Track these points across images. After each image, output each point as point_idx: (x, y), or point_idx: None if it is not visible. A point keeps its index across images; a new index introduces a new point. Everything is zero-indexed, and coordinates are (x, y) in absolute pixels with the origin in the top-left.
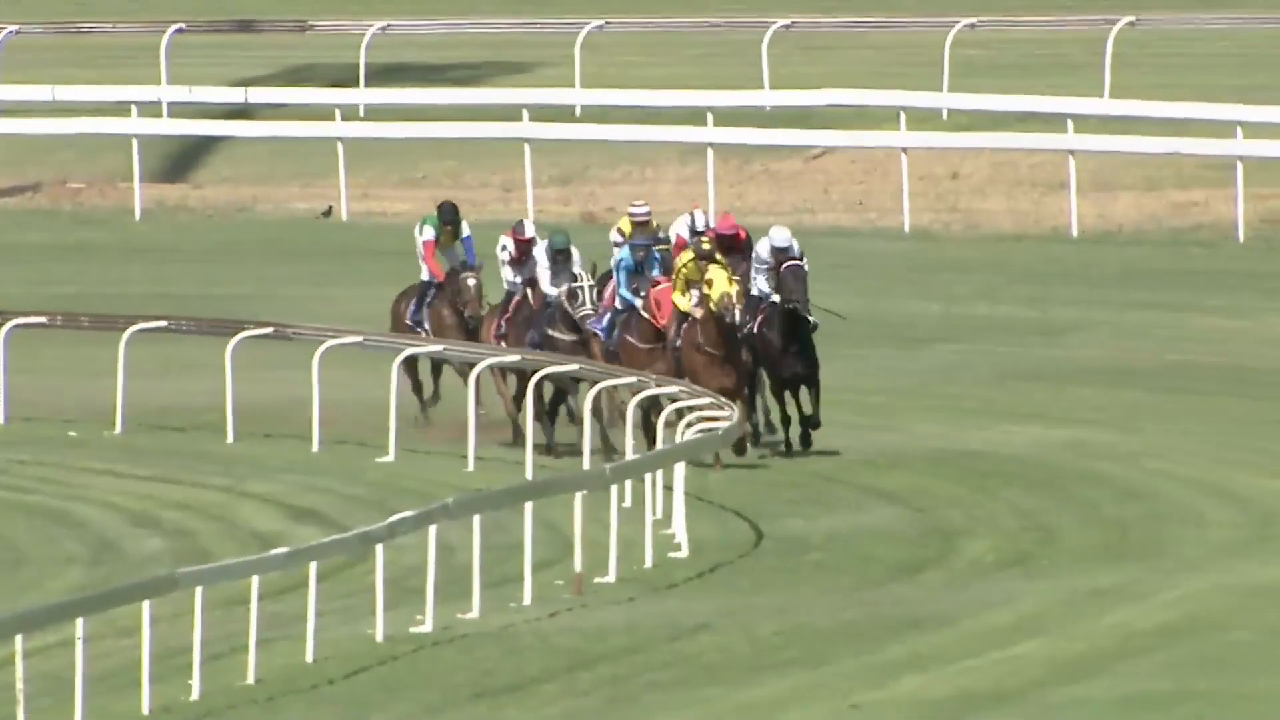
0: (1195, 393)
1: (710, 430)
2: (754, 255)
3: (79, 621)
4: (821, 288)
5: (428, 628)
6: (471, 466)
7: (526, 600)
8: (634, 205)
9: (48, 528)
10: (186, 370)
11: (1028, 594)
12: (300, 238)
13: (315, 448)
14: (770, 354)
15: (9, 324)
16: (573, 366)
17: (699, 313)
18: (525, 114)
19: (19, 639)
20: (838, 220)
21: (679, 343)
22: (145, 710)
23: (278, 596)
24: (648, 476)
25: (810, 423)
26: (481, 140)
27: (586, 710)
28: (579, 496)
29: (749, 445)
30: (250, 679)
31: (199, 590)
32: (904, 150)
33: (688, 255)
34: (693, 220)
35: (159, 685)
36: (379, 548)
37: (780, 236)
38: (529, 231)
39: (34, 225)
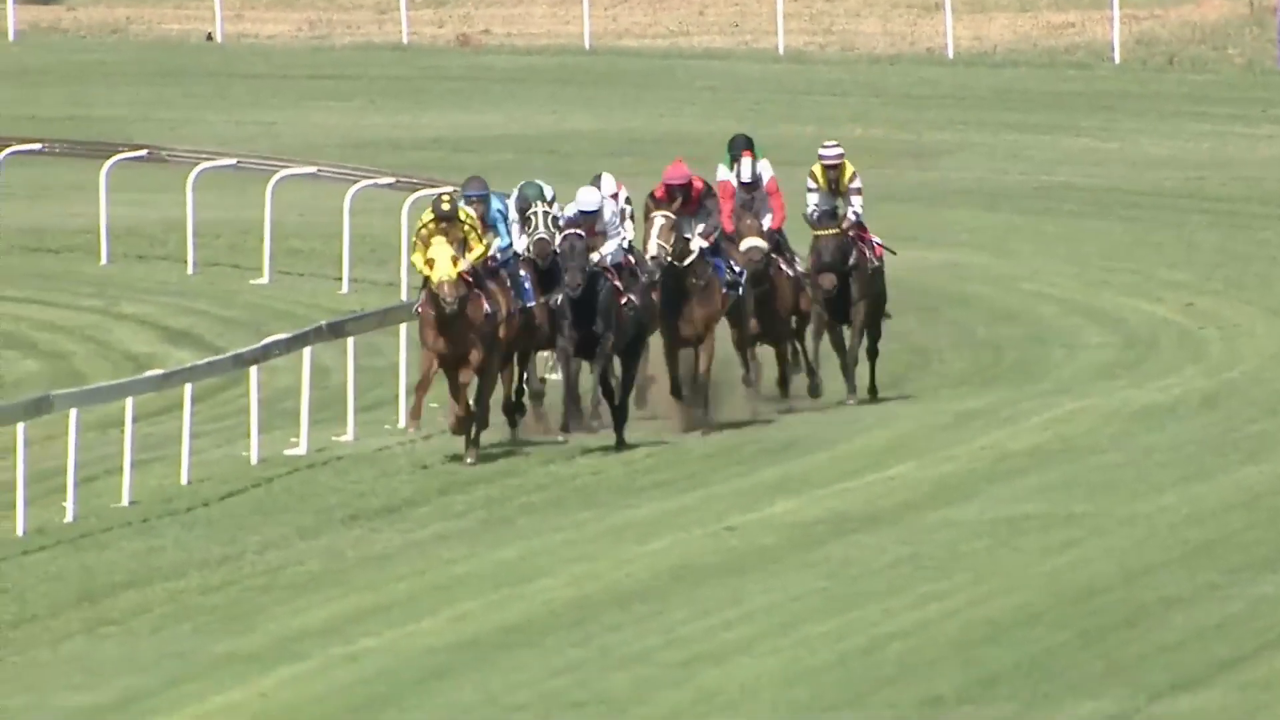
0: (1069, 214)
1: None
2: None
3: None
4: (697, 110)
5: (302, 450)
6: (346, 289)
7: (401, 423)
8: (825, 146)
9: None
10: (60, 193)
11: (902, 416)
12: (174, 60)
13: (190, 270)
14: (557, 330)
15: None
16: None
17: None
18: None
19: None
20: (712, 42)
21: (417, 307)
22: (20, 532)
23: (152, 419)
24: None
25: (607, 399)
26: None
27: (460, 532)
28: None
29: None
30: (125, 501)
31: (73, 412)
32: None
33: (428, 214)
34: (738, 169)
35: (33, 508)
36: (253, 370)
37: (588, 199)
38: (607, 187)
39: None
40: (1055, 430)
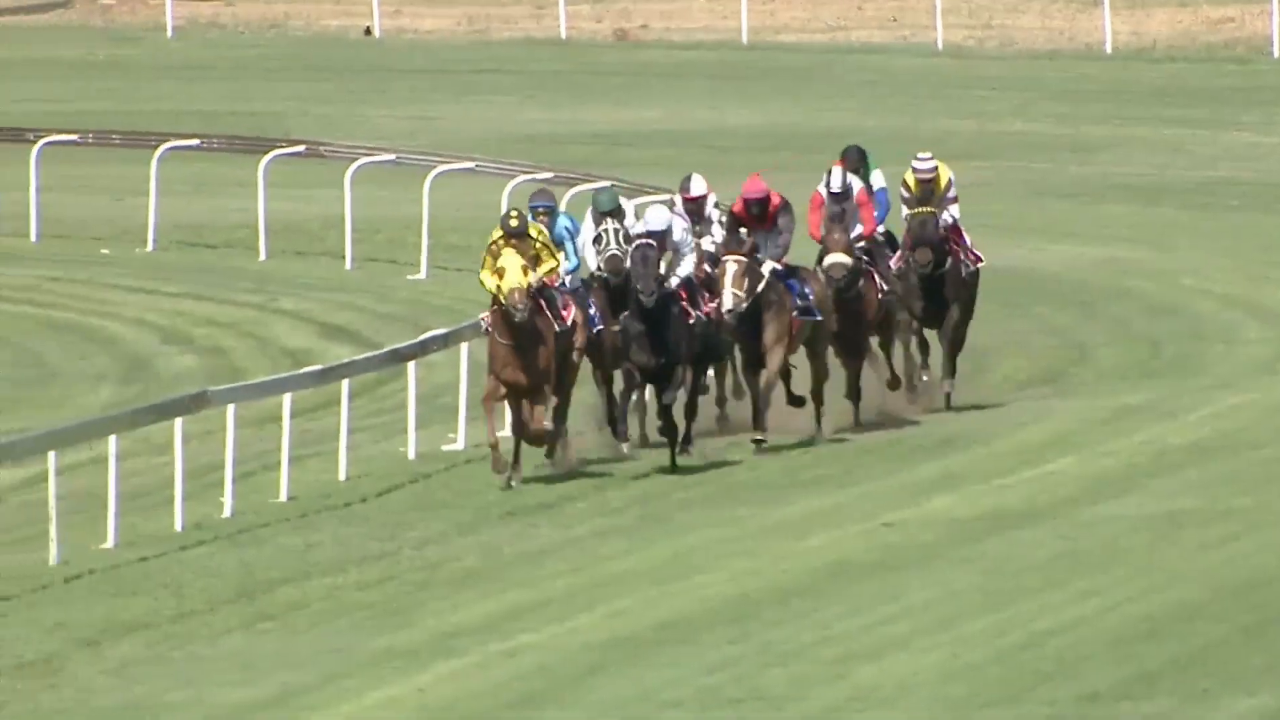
0: (1228, 209)
1: None
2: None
3: (111, 439)
4: (855, 105)
5: (460, 446)
6: None
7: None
8: (919, 158)
9: (80, 345)
10: (219, 188)
11: (1060, 411)
12: (333, 55)
13: (347, 265)
14: (623, 342)
15: (41, 141)
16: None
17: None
18: None
19: (52, 456)
20: (871, 37)
21: (486, 325)
22: (178, 527)
23: (310, 414)
24: None
25: (666, 432)
26: None
27: (618, 529)
28: None
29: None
30: (283, 497)
31: (231, 408)
32: None
33: (498, 231)
34: (828, 178)
35: (191, 502)
36: (411, 365)
37: (657, 219)
38: (697, 188)
39: (66, 42)
40: (1215, 425)
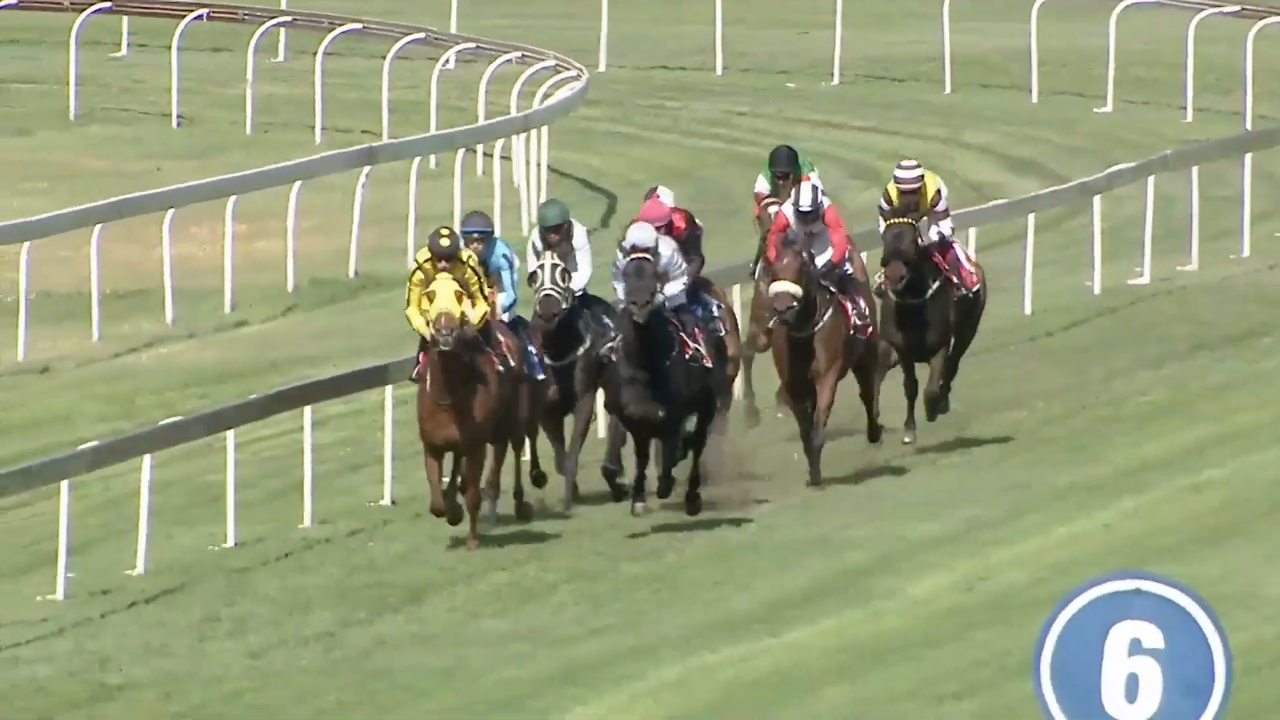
0: None
1: None
2: (613, 265)
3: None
4: None
5: (1145, 280)
6: (1189, 118)
7: (1245, 252)
8: (902, 166)
9: None
10: (903, 20)
11: None
12: None
13: (1032, 98)
14: (610, 387)
15: None
16: None
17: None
18: None
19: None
20: None
21: (416, 371)
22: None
23: (995, 248)
24: None
25: (660, 487)
26: None
27: None
28: None
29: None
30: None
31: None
32: None
33: (424, 253)
34: (797, 195)
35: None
36: (1096, 199)
37: (642, 236)
38: (666, 202)
39: None
40: None
